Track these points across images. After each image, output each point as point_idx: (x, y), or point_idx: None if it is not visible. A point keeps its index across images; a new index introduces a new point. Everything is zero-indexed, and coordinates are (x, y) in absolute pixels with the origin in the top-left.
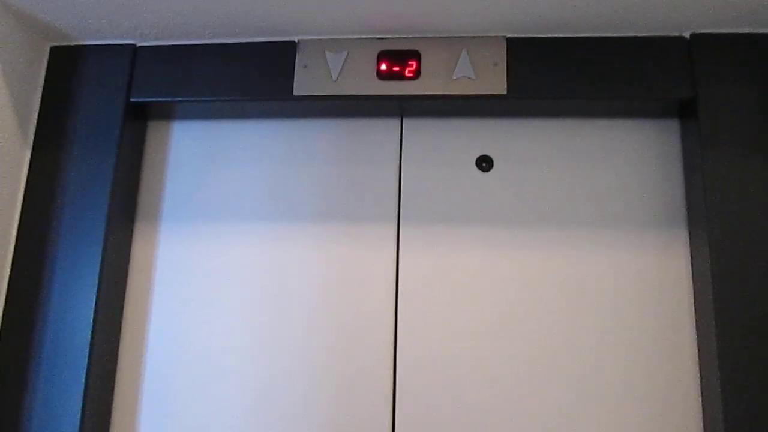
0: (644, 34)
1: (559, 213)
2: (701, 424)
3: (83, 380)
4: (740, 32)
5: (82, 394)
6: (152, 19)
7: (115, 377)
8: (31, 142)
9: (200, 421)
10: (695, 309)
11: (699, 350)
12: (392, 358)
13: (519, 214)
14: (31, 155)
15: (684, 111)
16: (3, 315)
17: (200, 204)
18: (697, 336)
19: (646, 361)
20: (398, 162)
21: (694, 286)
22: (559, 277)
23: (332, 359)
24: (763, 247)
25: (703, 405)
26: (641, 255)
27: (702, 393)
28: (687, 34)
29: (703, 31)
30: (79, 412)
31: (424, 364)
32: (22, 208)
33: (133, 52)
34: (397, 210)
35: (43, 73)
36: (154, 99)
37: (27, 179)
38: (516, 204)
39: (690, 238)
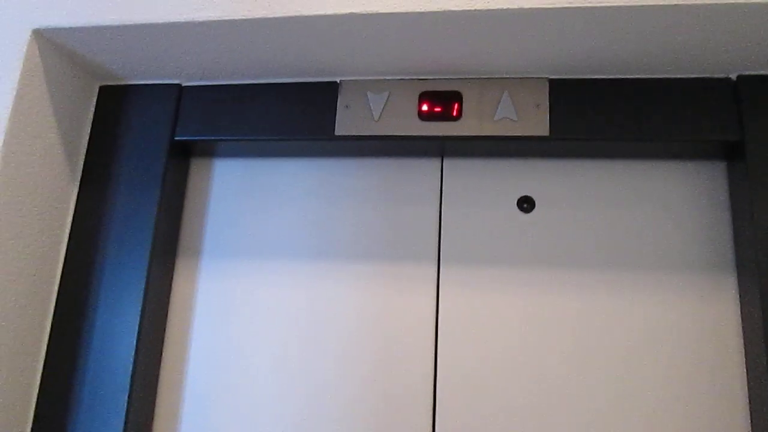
0: (689, 76)
1: (602, 256)
2: None
3: (123, 415)
4: None
5: (122, 428)
6: (197, 60)
7: (154, 410)
8: (79, 178)
9: None
10: (746, 360)
11: (750, 402)
12: (432, 400)
13: (560, 256)
14: (79, 191)
15: (731, 153)
16: (47, 347)
17: (240, 241)
18: (748, 389)
19: (691, 412)
20: (439, 202)
21: (744, 336)
22: (602, 323)
23: (369, 400)
24: None
25: None
26: (687, 301)
27: None
28: (734, 76)
29: (750, 73)
30: None
31: (464, 406)
32: (68, 242)
33: (178, 91)
34: (437, 250)
35: (92, 111)
36: (197, 137)
37: (74, 214)
38: (557, 246)
39: (739, 285)
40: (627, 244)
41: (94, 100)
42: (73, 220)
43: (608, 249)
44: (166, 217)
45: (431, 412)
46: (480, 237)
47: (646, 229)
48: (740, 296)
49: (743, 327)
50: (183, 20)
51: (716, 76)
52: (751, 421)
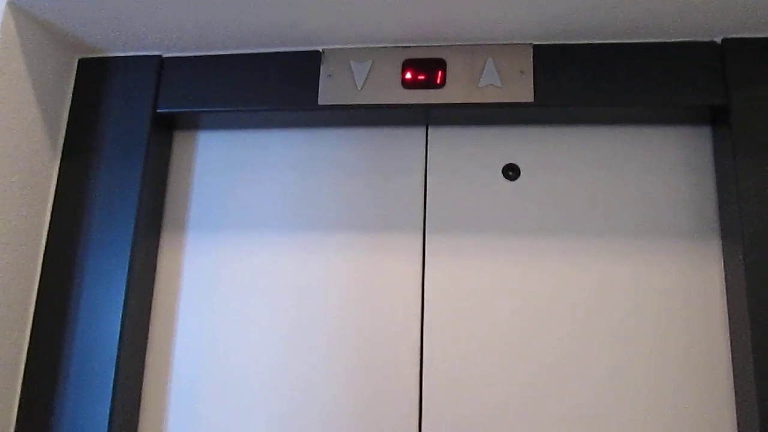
0: (674, 40)
1: (587, 222)
2: None
3: (111, 390)
4: None
5: (109, 404)
6: (178, 30)
7: (142, 386)
8: (60, 153)
9: (227, 429)
10: (729, 321)
11: (734, 366)
12: (418, 367)
13: (546, 223)
14: (60, 166)
15: (716, 118)
16: (32, 323)
17: (226, 213)
18: (732, 352)
19: (676, 374)
20: (424, 171)
21: (727, 298)
22: (587, 288)
23: (358, 369)
24: None
25: (738, 422)
26: (672, 265)
27: (737, 411)
28: (719, 39)
29: (735, 35)
30: (107, 422)
31: (451, 374)
32: (51, 217)
33: (159, 63)
34: (422, 219)
35: (71, 85)
36: (180, 109)
37: (56, 189)
38: (543, 213)
39: (723, 249)
40: (612, 209)
41: (74, 74)
42: (56, 195)
43: (594, 215)
44: (150, 190)
45: (418, 380)
46: (465, 205)
47: (631, 194)
48: (724, 260)
49: (727, 290)
50: None
51: (701, 39)
52: (735, 384)
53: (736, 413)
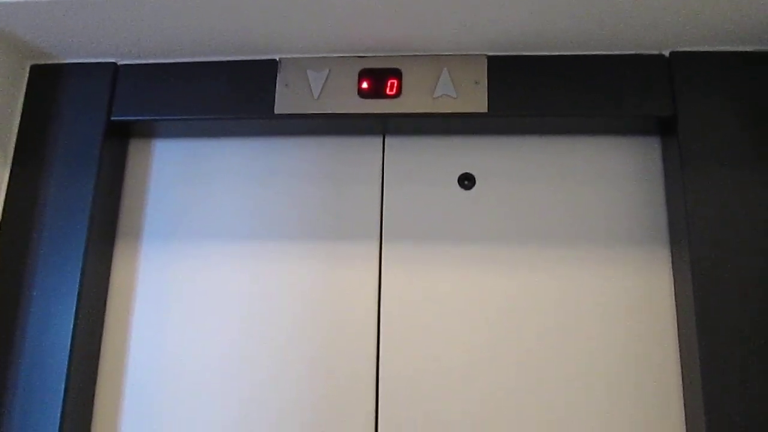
0: (624, 52)
1: (541, 230)
2: None
3: (60, 404)
4: (718, 50)
5: (59, 419)
6: (133, 37)
7: (93, 399)
8: (10, 162)
9: None
10: (678, 325)
11: (682, 365)
12: (375, 373)
13: (501, 231)
14: (11, 173)
15: (664, 128)
16: None
17: (181, 222)
18: (680, 352)
19: (630, 375)
20: (380, 180)
21: (676, 302)
22: (541, 294)
23: (314, 376)
24: (743, 263)
25: (686, 416)
26: (625, 271)
27: (685, 405)
28: (666, 52)
29: (682, 49)
30: None
31: (407, 380)
32: (1, 227)
33: (114, 70)
34: (379, 227)
35: (23, 91)
36: (135, 117)
37: (6, 197)
38: (498, 221)
39: (672, 255)
40: (565, 217)
41: (26, 80)
42: (5, 203)
43: (547, 223)
44: (103, 200)
45: (374, 387)
46: (422, 214)
47: (583, 203)
48: (672, 265)
49: (675, 295)
50: None
51: (650, 52)
52: (683, 385)
53: (684, 414)
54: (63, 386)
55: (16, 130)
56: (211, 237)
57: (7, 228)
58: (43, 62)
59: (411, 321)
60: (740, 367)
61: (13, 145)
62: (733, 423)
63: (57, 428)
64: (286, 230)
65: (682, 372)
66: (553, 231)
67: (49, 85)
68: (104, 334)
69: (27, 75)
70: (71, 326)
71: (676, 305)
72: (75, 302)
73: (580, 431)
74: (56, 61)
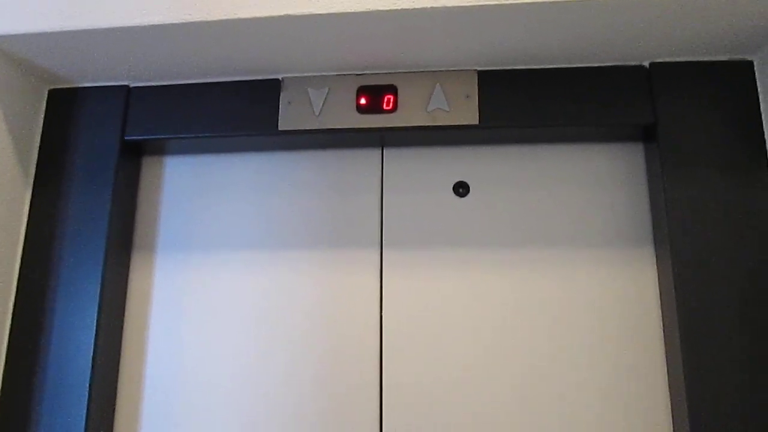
0: (606, 64)
1: (532, 234)
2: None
3: (85, 406)
4: (696, 60)
5: (84, 420)
6: (144, 62)
7: (115, 401)
8: (32, 181)
9: None
10: (663, 323)
11: (667, 362)
12: (378, 378)
13: (494, 236)
14: (32, 194)
15: (646, 135)
16: (8, 344)
17: (193, 234)
18: (665, 348)
19: (618, 377)
20: (380, 190)
21: (660, 303)
22: (534, 295)
23: (320, 382)
24: (724, 265)
25: (672, 414)
26: (613, 274)
27: (672, 401)
28: (646, 64)
29: (661, 60)
30: None
31: (410, 385)
32: (24, 244)
33: (126, 92)
34: (379, 235)
35: (42, 115)
36: (147, 137)
37: (28, 216)
38: (491, 227)
39: (656, 255)
40: (554, 222)
41: (44, 104)
42: (29, 222)
43: (538, 228)
44: (119, 214)
45: (378, 390)
46: (420, 221)
47: (572, 207)
48: (657, 266)
49: (660, 294)
50: (128, 25)
51: (631, 63)
52: (668, 382)
53: (671, 410)
54: (86, 390)
55: (36, 150)
56: (220, 246)
57: (30, 243)
58: (60, 86)
59: (412, 323)
60: (721, 363)
61: (35, 165)
62: (717, 415)
63: (82, 429)
64: (291, 239)
65: (667, 369)
66: (544, 234)
67: (66, 108)
68: (124, 339)
69: (45, 99)
70: (93, 333)
71: (661, 305)
72: (96, 310)
73: (574, 426)
74: (73, 86)
